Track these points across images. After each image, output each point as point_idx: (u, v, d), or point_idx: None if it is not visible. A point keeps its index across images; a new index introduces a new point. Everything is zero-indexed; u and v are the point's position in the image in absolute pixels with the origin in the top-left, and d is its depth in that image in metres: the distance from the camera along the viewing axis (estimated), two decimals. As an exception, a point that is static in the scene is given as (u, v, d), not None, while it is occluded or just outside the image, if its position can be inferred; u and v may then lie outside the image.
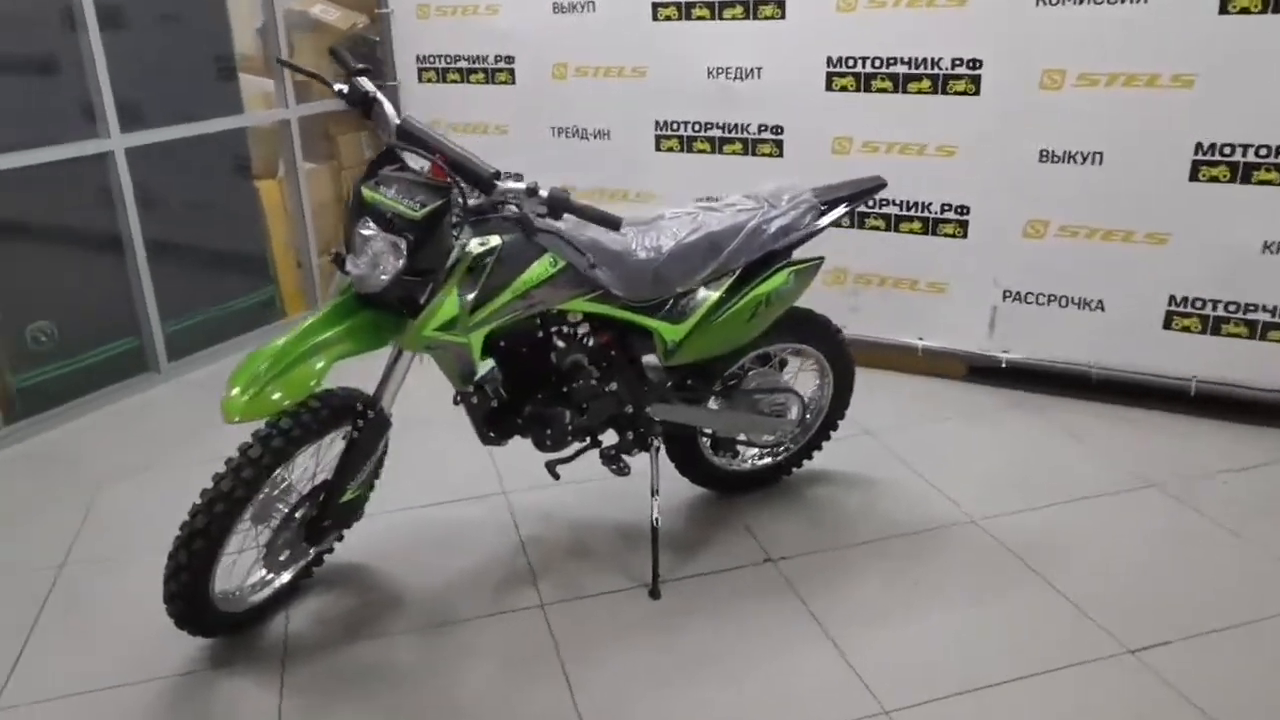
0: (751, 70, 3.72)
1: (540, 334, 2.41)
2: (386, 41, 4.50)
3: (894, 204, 3.64)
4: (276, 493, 2.30)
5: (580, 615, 2.48)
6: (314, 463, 2.36)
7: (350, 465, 2.31)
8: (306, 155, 4.64)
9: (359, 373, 2.39)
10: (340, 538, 2.63)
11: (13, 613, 2.54)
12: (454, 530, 2.87)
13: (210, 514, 2.10)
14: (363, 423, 2.28)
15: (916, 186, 3.59)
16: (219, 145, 4.19)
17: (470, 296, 2.16)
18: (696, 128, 3.90)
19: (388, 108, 2.24)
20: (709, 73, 3.80)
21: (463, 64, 4.33)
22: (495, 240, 2.18)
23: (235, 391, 2.00)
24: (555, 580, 2.62)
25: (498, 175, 2.09)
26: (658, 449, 2.63)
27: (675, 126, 3.94)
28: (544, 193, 2.08)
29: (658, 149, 4.01)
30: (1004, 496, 2.94)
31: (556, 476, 2.54)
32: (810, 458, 3.06)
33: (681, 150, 3.96)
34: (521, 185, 2.09)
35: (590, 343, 2.47)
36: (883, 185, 2.75)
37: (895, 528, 2.80)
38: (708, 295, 2.46)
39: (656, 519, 2.60)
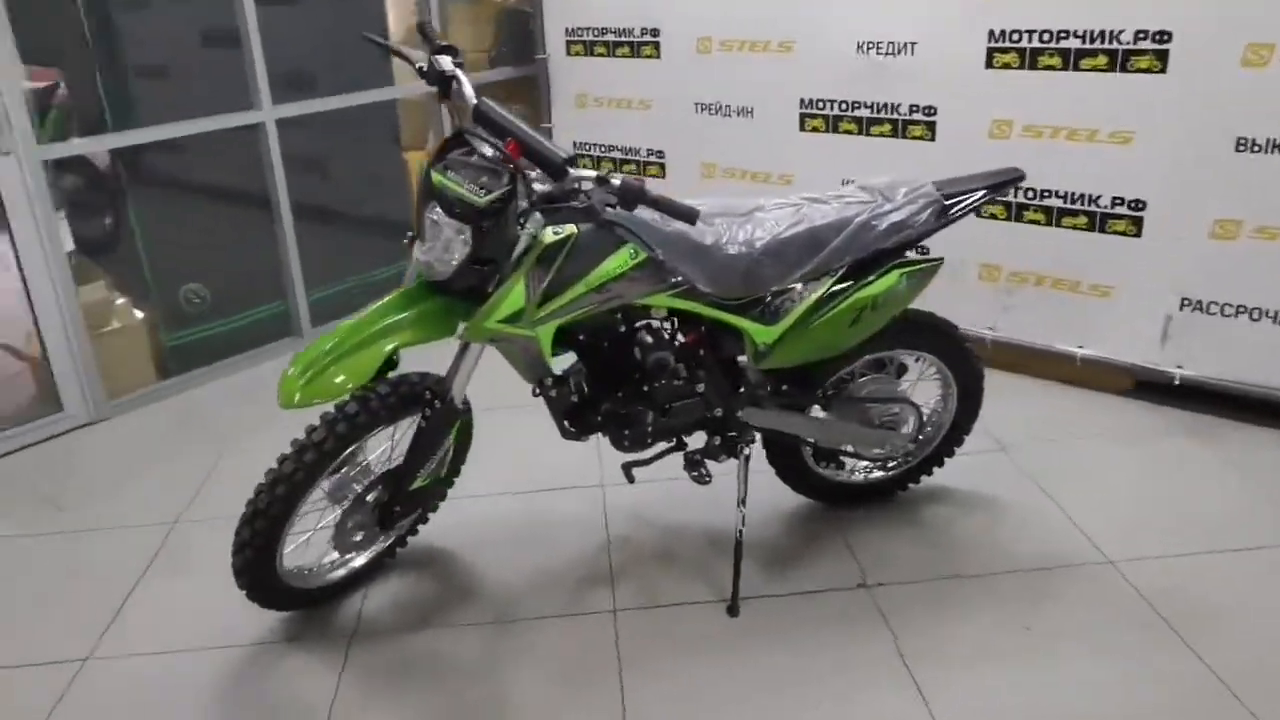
0: (905, 45, 3.41)
1: (623, 329, 2.27)
2: (538, 14, 4.45)
3: (1057, 195, 3.26)
4: (354, 473, 2.30)
5: (651, 625, 2.35)
6: (391, 446, 2.35)
7: (418, 453, 2.27)
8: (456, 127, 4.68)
9: (441, 358, 2.34)
10: (424, 520, 2.62)
11: (122, 568, 2.67)
12: (545, 521, 2.80)
13: (271, 494, 2.11)
14: (430, 412, 2.23)
15: (1084, 177, 3.19)
16: (369, 117, 4.28)
17: (539, 288, 2.06)
18: (843, 107, 3.63)
19: (467, 88, 2.15)
20: (859, 47, 3.51)
21: (609, 37, 4.22)
22: (570, 229, 2.06)
23: (294, 372, 1.99)
24: (633, 585, 2.50)
25: (571, 162, 1.97)
26: (748, 456, 2.45)
27: (821, 105, 3.68)
28: (615, 181, 1.93)
29: (802, 128, 3.76)
30: (1153, 537, 2.57)
31: (631, 479, 2.42)
32: (930, 473, 2.79)
33: (826, 131, 3.70)
34: (592, 174, 1.95)
35: (679, 340, 2.32)
36: (1020, 179, 2.43)
37: (1016, 561, 2.51)
38: (806, 296, 2.25)
39: (740, 531, 2.43)
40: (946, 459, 2.78)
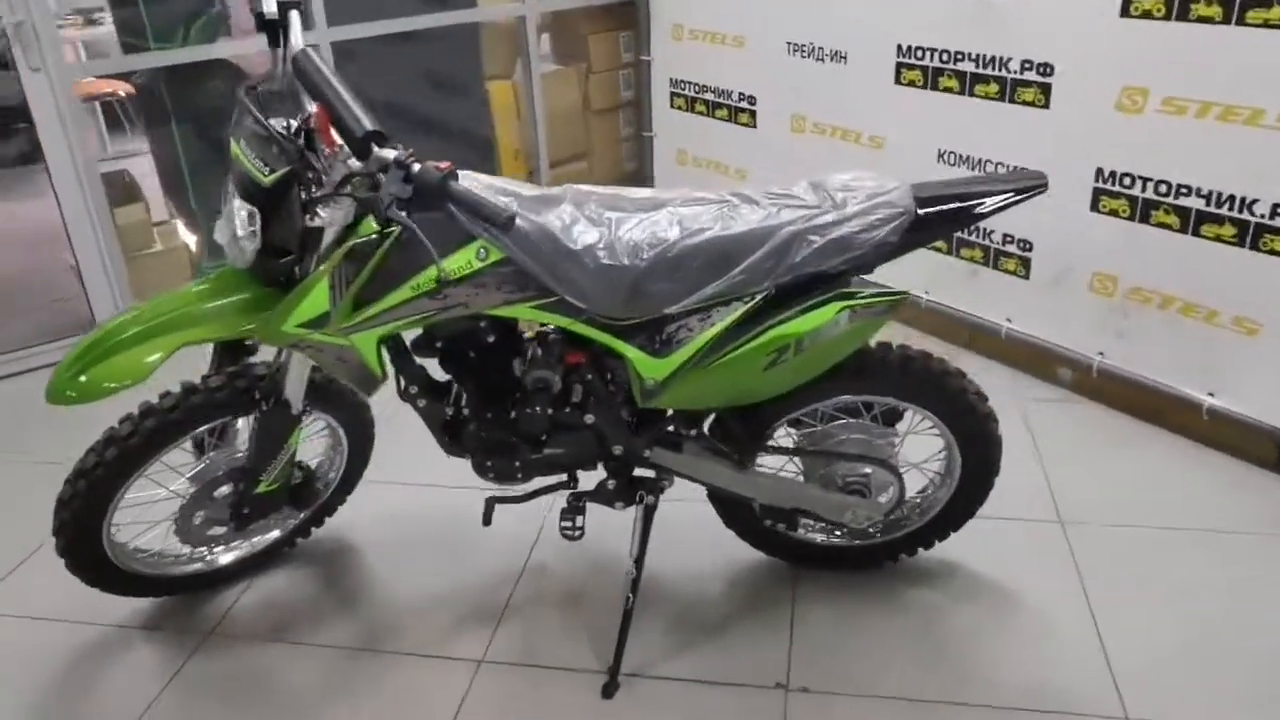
0: (1022, -20, 2.65)
1: (492, 338, 1.86)
2: (644, -70, 3.93)
3: (1198, 194, 2.44)
4: (220, 461, 2.06)
5: (510, 687, 1.98)
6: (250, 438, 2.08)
7: (257, 455, 1.99)
8: (555, 56, 4.29)
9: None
10: (329, 513, 2.36)
11: (39, 523, 2.59)
12: (473, 529, 2.44)
13: (74, 488, 1.89)
14: (261, 413, 1.93)
15: (1237, 173, 2.35)
16: (447, 42, 3.98)
17: (348, 288, 1.68)
18: (945, 58, 2.90)
19: (294, 31, 1.76)
20: (968, -19, 2.77)
21: (707, -42, 3.65)
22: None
23: (66, 365, 1.73)
24: (519, 632, 2.12)
25: (375, 137, 1.55)
26: (651, 506, 1.99)
27: (920, 54, 2.97)
28: (414, 167, 1.50)
29: (897, 81, 3.07)
30: (1214, 694, 1.87)
31: (487, 521, 2.02)
32: (930, 546, 2.19)
33: (924, 86, 2.99)
34: (392, 154, 1.53)
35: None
36: (1040, 188, 1.74)
37: (995, 693, 1.90)
38: (706, 325, 1.73)
39: (630, 599, 1.99)
40: (954, 532, 2.17)
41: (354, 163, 1.62)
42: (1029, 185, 1.71)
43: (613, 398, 1.89)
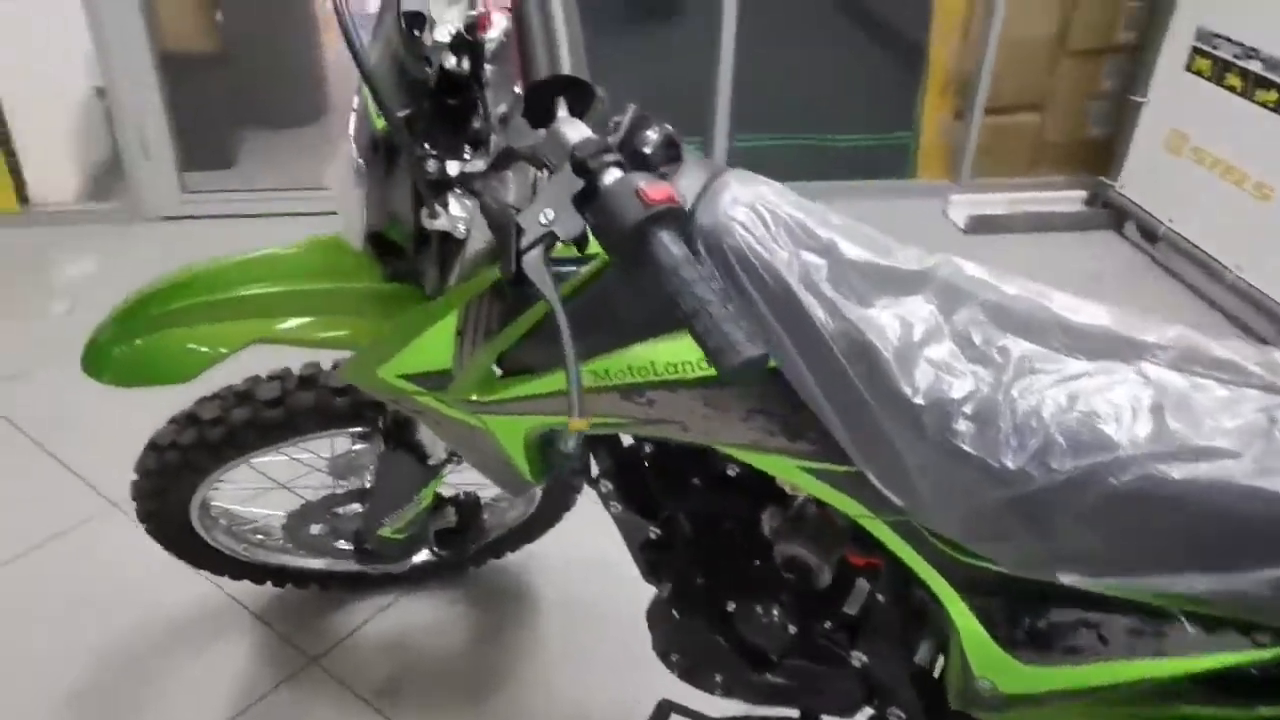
0: None
1: (730, 470, 1.05)
2: None
3: None
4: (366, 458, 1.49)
5: None
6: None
7: (378, 498, 1.37)
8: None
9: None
10: (509, 548, 1.74)
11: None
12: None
13: (144, 464, 1.37)
14: (387, 450, 1.29)
15: None
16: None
17: (485, 339, 0.94)
18: None
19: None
20: None
21: None
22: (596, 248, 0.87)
23: (104, 326, 1.15)
24: None
25: (573, 91, 0.76)
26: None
27: None
28: (609, 178, 0.70)
29: None
30: None
31: None
32: None
33: None
34: (579, 137, 0.74)
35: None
36: None
37: None
38: (1144, 647, 0.79)
39: None
40: None
41: (529, 130, 0.83)
42: None
43: (911, 646, 1.02)
